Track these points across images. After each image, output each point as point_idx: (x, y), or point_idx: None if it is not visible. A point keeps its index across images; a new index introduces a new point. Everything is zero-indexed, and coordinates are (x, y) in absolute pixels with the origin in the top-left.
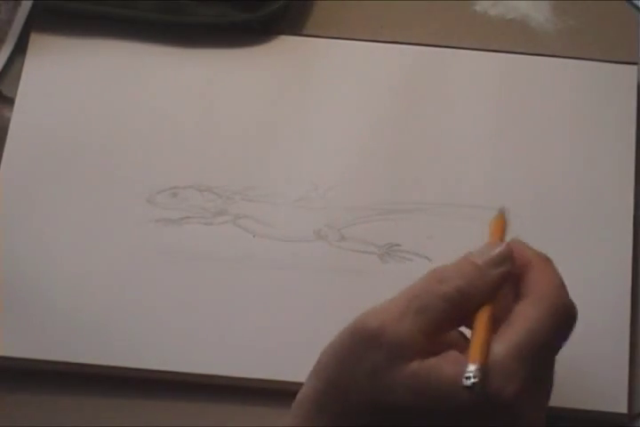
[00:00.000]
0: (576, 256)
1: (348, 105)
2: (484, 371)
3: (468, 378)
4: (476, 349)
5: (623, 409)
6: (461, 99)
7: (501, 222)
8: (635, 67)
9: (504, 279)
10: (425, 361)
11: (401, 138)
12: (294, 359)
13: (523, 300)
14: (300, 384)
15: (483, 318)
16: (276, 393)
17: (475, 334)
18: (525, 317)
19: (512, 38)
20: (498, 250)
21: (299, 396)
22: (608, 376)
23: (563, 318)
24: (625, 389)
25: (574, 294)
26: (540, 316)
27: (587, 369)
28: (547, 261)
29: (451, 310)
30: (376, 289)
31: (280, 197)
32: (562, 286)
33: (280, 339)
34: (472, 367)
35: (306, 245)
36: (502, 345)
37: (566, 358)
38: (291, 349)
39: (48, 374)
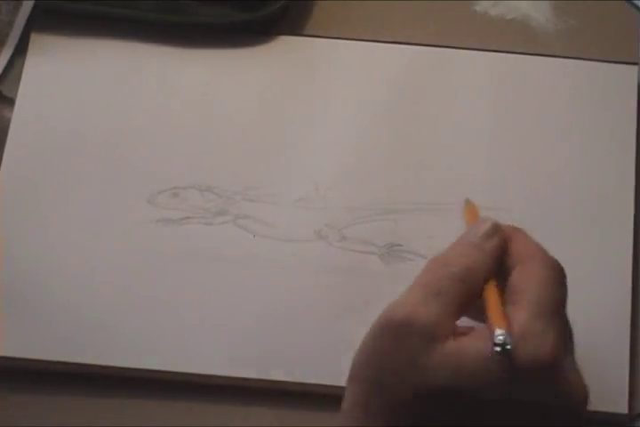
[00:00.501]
0: (576, 257)
1: (348, 105)
2: (513, 335)
3: (499, 344)
4: (496, 315)
5: (624, 410)
6: (461, 99)
7: (474, 208)
8: (635, 67)
9: (499, 250)
10: (457, 340)
11: (401, 138)
12: (295, 359)
13: (517, 268)
14: (300, 384)
15: (492, 289)
16: (276, 394)
17: (489, 304)
18: (529, 278)
19: (512, 38)
20: (485, 225)
21: (343, 405)
22: (608, 377)
23: (559, 272)
24: (625, 389)
25: (575, 294)
26: (541, 274)
27: (587, 369)
28: (521, 230)
29: (465, 289)
30: (377, 289)
31: (280, 197)
32: (542, 247)
33: (280, 339)
34: (499, 331)
35: (306, 245)
36: (521, 309)
37: None
38: (291, 349)
39: (48, 374)
